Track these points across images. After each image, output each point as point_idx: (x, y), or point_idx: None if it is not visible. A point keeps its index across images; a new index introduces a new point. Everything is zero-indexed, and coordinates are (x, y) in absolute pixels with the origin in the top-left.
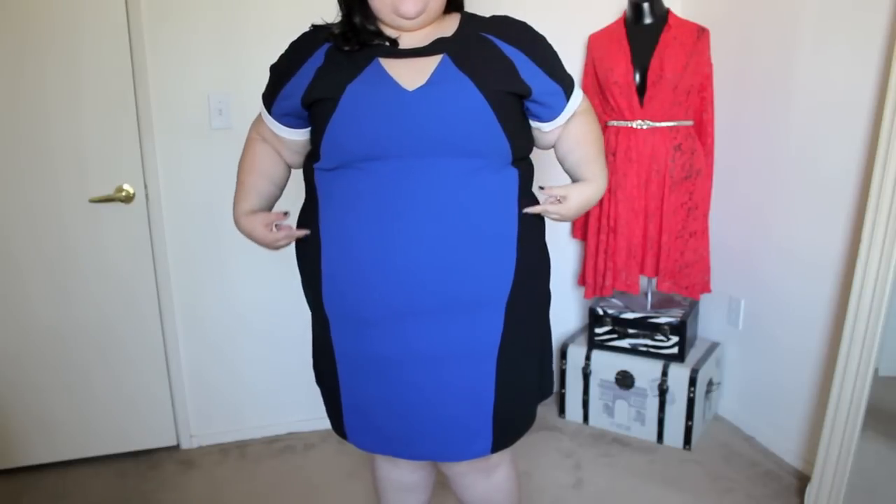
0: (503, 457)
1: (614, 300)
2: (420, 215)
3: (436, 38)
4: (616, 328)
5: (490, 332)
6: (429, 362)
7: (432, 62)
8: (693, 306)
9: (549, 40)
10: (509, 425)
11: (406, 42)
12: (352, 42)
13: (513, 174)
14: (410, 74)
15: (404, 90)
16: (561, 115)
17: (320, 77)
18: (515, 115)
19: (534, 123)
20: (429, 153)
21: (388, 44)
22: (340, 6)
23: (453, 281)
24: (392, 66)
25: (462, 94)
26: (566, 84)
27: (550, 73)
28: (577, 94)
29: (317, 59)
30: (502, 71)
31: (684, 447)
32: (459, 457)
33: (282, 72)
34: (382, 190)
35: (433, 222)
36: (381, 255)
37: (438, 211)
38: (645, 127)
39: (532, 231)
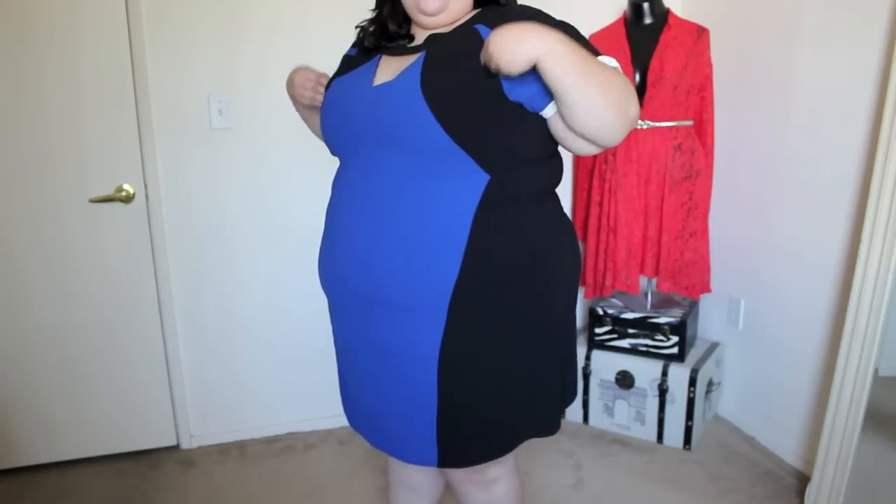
0: (502, 470)
1: (614, 300)
2: (367, 209)
3: (431, 34)
4: (616, 328)
5: (428, 337)
6: (378, 354)
7: (412, 59)
8: (693, 306)
9: None
10: (461, 444)
11: (418, 39)
12: (372, 40)
13: (478, 181)
14: (389, 71)
15: (369, 86)
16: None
17: (335, 75)
18: (482, 117)
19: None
20: (381, 149)
21: (406, 42)
22: (375, 4)
23: (383, 280)
24: (384, 63)
25: (404, 92)
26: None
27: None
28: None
29: (346, 57)
30: (466, 67)
31: (684, 447)
32: (407, 459)
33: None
34: (350, 181)
35: (375, 218)
36: (337, 244)
37: (381, 207)
38: (645, 127)
39: (503, 242)
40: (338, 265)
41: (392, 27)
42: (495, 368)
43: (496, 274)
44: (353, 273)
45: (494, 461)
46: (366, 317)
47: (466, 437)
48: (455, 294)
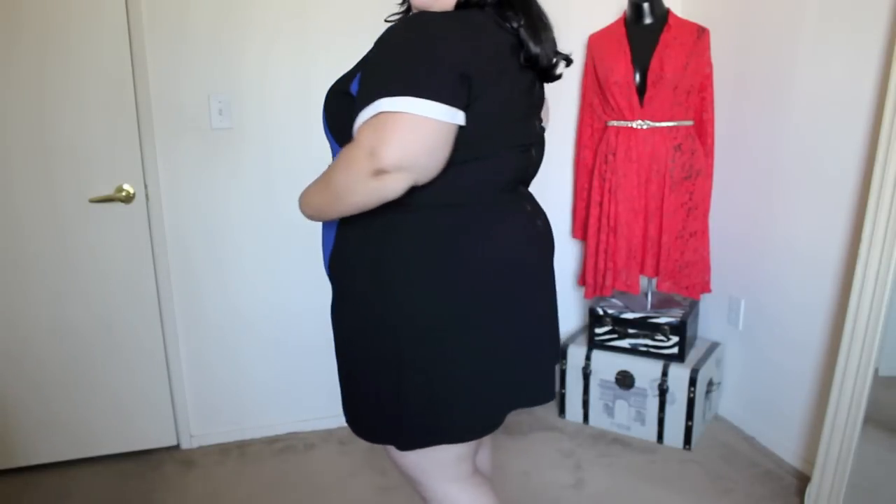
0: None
1: (614, 300)
2: None
3: None
4: (616, 328)
5: (329, 303)
6: None
7: None
8: (693, 306)
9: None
10: (352, 410)
11: None
12: None
13: None
14: None
15: None
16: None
17: None
18: (348, 119)
19: None
20: None
21: None
22: None
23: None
24: None
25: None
26: (363, 93)
27: (360, 78)
28: (365, 113)
29: None
30: (351, 73)
31: (684, 447)
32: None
33: None
34: None
35: None
36: None
37: None
38: (645, 127)
39: (350, 238)
40: None
41: None
42: (350, 355)
43: (345, 265)
44: None
45: (424, 494)
46: None
47: (355, 409)
48: (330, 273)
